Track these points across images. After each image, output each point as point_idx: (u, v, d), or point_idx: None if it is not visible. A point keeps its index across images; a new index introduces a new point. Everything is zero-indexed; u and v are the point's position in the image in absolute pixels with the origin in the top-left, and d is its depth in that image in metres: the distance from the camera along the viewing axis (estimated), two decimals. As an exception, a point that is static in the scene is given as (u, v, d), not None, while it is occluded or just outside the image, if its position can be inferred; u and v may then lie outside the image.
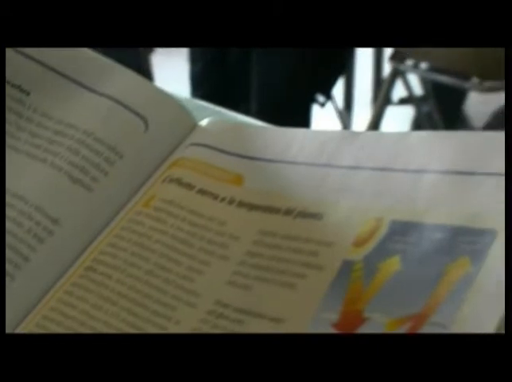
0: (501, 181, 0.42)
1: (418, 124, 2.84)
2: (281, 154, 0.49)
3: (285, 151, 0.49)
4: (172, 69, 3.23)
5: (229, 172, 0.50)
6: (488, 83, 2.43)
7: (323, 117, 2.86)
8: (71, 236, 0.49)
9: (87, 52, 0.56)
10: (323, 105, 2.72)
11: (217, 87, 2.65)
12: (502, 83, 2.38)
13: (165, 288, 0.46)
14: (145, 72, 3.24)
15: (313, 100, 2.67)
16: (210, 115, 0.54)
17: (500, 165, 0.42)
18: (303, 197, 0.47)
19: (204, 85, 2.67)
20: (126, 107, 0.52)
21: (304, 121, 2.63)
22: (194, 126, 0.52)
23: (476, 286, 0.39)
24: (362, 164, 0.47)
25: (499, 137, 0.44)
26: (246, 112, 2.43)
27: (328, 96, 2.75)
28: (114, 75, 0.54)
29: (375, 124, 2.65)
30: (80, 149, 0.51)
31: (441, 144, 0.45)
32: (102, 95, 0.53)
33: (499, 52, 2.19)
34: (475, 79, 2.45)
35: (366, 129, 2.64)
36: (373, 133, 0.47)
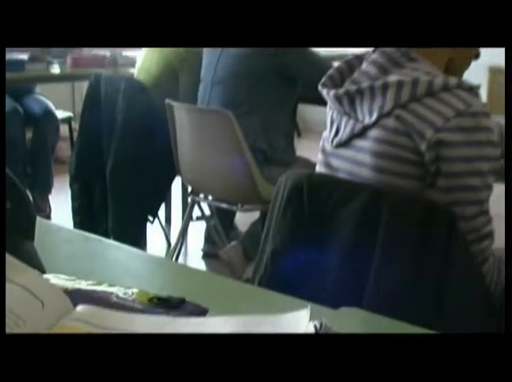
0: None
1: (208, 233, 2.87)
2: (124, 326, 0.49)
3: (128, 324, 0.49)
4: (62, 205, 3.14)
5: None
6: (246, 207, 2.56)
7: (153, 230, 2.85)
8: None
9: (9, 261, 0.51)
10: (152, 222, 2.74)
11: (88, 217, 2.63)
12: (254, 206, 2.50)
13: None
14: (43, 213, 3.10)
15: (146, 219, 2.71)
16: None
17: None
18: None
19: (80, 215, 2.65)
20: (30, 292, 0.50)
21: (141, 233, 2.66)
22: (71, 308, 0.51)
23: None
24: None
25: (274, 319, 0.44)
26: (105, 233, 2.47)
27: (155, 215, 2.78)
28: (24, 272, 0.52)
29: (184, 233, 2.67)
30: None
31: (230, 323, 0.45)
32: (15, 283, 0.51)
33: (254, 191, 2.35)
34: (239, 205, 2.57)
35: (177, 236, 2.64)
36: (187, 318, 0.46)
